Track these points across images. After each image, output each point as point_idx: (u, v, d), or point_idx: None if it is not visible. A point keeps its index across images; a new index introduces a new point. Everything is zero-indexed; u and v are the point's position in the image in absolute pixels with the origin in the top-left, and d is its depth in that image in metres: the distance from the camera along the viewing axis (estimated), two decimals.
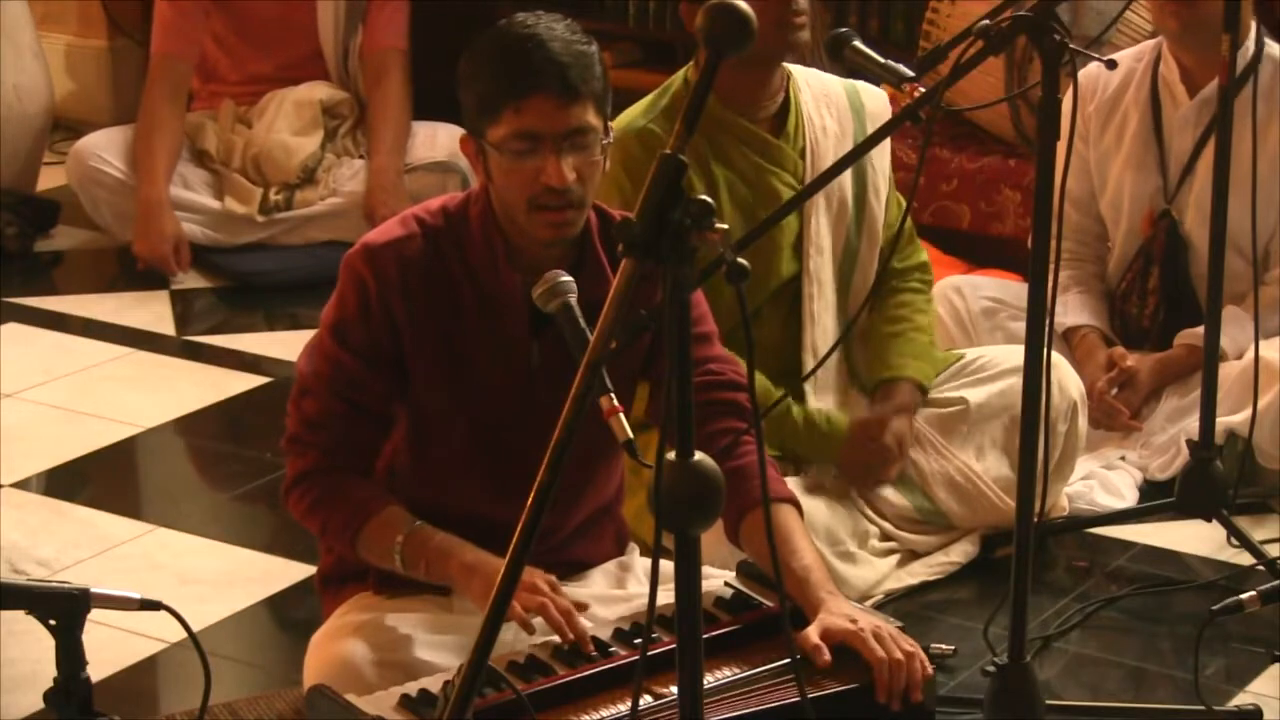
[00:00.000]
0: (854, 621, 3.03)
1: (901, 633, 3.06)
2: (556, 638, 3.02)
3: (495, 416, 3.20)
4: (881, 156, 4.15)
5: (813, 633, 3.02)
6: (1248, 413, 4.20)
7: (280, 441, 3.25)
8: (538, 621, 3.01)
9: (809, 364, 4.03)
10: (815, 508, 3.89)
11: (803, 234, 4.05)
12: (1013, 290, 4.75)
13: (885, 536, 4.07)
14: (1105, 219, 4.72)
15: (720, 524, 3.13)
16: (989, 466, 4.11)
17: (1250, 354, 4.23)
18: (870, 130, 4.05)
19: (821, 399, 4.08)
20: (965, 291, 4.73)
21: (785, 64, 4.02)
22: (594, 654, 3.01)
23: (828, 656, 2.98)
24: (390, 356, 3.16)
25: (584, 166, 3.07)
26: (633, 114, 3.97)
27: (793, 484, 3.70)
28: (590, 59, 3.07)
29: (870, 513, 4.06)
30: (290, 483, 3.21)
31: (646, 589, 3.16)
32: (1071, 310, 4.65)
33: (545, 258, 3.11)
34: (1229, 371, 4.37)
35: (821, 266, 4.06)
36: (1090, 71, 4.60)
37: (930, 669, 3.03)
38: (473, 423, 3.20)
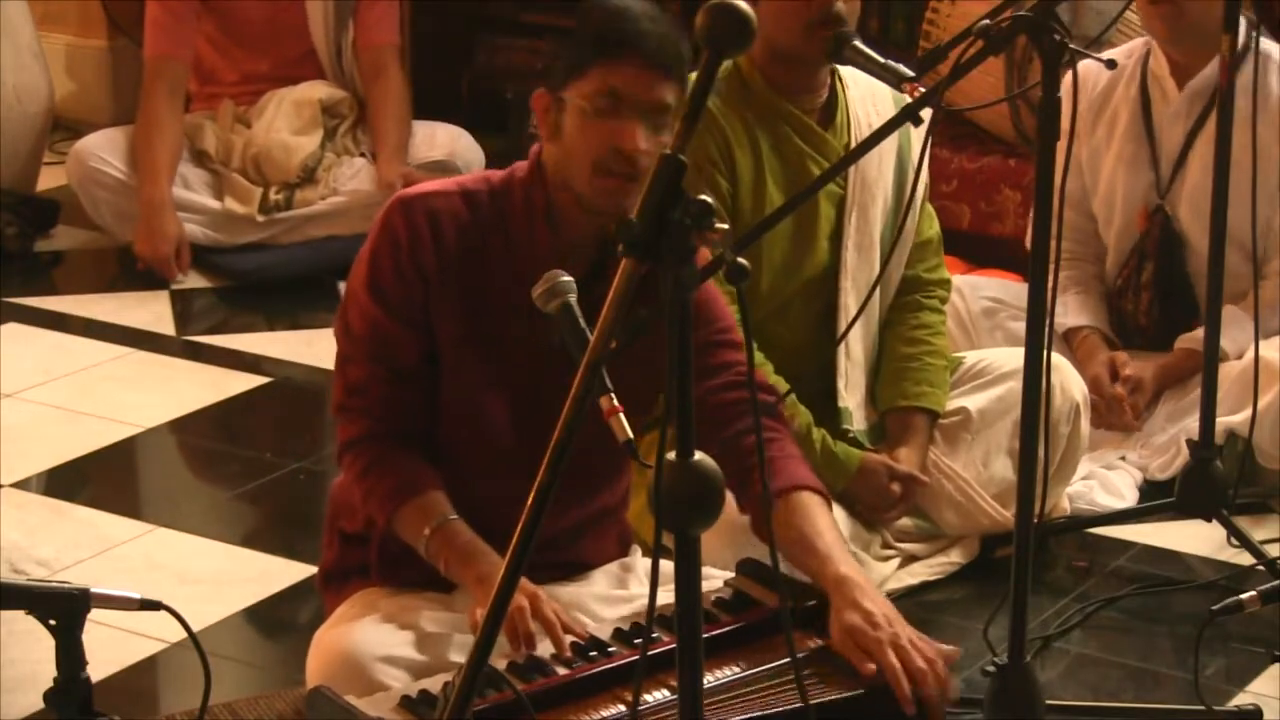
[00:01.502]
0: (875, 626, 3.01)
1: (922, 637, 3.04)
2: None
3: (521, 388, 3.19)
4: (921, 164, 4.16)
5: (839, 637, 3.01)
6: (1248, 413, 4.19)
7: (330, 409, 3.27)
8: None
9: (841, 360, 4.04)
10: None
11: (841, 228, 4.05)
12: (1013, 290, 4.75)
13: (885, 544, 4.07)
14: (1098, 216, 4.71)
15: (720, 524, 3.12)
16: (995, 472, 4.10)
17: (1250, 354, 4.23)
18: (912, 136, 4.06)
19: (852, 396, 4.07)
20: (965, 291, 4.72)
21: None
22: (578, 658, 3.01)
23: (872, 666, 2.97)
24: (422, 314, 3.17)
25: (655, 147, 3.05)
26: None
27: None
28: (682, 50, 3.08)
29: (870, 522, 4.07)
30: (341, 449, 3.23)
31: (647, 589, 3.16)
32: (1071, 311, 4.65)
33: (586, 231, 3.13)
34: (1229, 371, 4.36)
35: (859, 263, 4.06)
36: (1079, 68, 4.58)
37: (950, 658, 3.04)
38: (497, 392, 3.19)
